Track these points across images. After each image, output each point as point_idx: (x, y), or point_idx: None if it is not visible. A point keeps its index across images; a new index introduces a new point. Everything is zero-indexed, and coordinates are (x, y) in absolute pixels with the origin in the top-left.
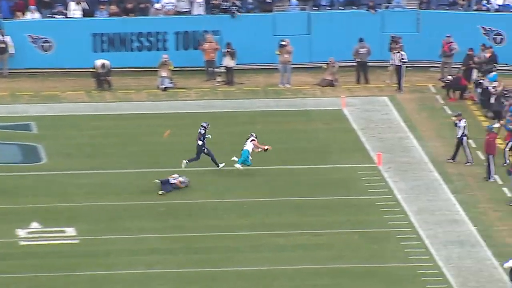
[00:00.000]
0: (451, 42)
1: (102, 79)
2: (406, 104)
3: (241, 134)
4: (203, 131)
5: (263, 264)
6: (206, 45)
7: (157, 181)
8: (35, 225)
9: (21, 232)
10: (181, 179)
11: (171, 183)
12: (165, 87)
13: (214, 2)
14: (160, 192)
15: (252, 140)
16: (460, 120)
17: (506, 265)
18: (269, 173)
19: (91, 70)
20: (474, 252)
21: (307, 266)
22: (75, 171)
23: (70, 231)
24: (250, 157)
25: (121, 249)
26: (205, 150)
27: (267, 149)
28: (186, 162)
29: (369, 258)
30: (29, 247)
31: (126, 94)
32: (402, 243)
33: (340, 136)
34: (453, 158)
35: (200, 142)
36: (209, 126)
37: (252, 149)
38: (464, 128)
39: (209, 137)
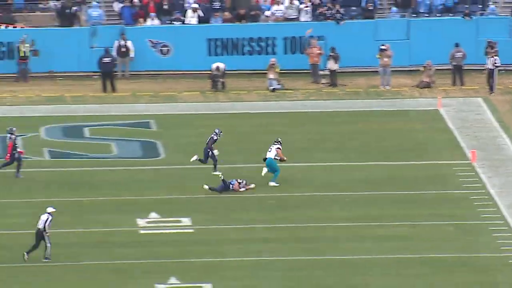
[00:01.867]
0: None
1: (216, 80)
2: (499, 106)
3: (343, 133)
4: (215, 138)
5: (363, 253)
6: (311, 50)
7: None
8: (153, 215)
9: (140, 222)
10: (243, 183)
11: (230, 184)
12: (273, 88)
13: (320, 9)
14: (206, 187)
15: (278, 148)
16: None
17: None
18: (369, 169)
19: (208, 72)
20: None
21: (405, 255)
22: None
23: (186, 221)
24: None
25: (233, 239)
26: (210, 153)
27: (284, 160)
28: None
29: (463, 249)
30: (148, 235)
31: (238, 94)
32: (494, 234)
33: (437, 135)
34: None
35: (210, 147)
36: (221, 134)
37: (274, 156)
38: None
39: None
